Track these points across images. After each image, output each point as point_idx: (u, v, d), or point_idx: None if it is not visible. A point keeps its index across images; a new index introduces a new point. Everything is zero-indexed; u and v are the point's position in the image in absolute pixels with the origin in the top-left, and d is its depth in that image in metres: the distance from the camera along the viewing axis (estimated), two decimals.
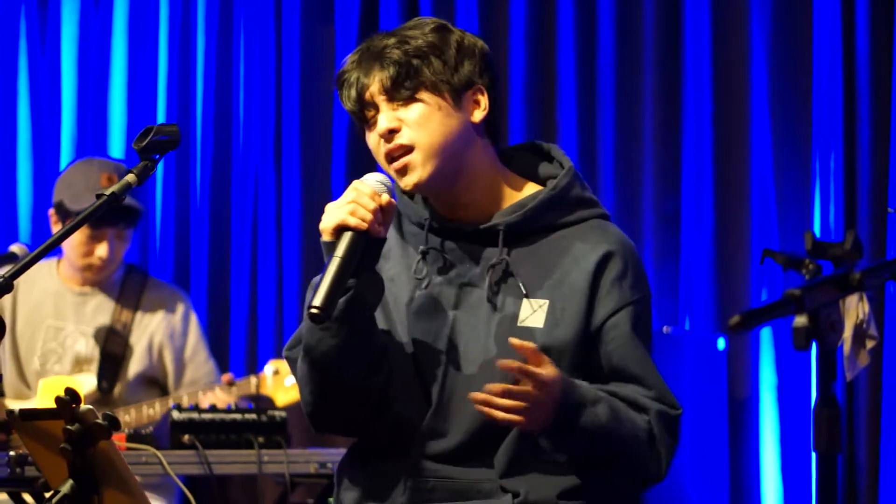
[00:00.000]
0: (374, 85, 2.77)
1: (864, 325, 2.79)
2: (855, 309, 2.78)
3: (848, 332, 2.79)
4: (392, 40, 2.79)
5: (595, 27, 5.12)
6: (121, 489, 2.54)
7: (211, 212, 5.88)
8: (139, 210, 4.87)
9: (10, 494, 3.84)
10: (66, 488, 2.52)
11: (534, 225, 2.83)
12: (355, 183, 2.74)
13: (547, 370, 2.63)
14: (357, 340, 2.74)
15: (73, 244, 4.86)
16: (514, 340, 2.64)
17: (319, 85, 5.70)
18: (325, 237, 2.72)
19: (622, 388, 2.77)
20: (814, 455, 2.11)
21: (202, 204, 5.89)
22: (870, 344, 2.82)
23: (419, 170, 2.77)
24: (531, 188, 2.87)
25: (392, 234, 2.89)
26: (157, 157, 2.84)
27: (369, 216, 2.69)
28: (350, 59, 2.82)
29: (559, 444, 2.72)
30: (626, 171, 5.04)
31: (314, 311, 2.62)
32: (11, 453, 3.73)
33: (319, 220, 2.75)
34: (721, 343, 4.74)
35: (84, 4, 6.15)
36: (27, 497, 3.85)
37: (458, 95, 2.79)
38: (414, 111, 2.77)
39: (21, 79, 6.19)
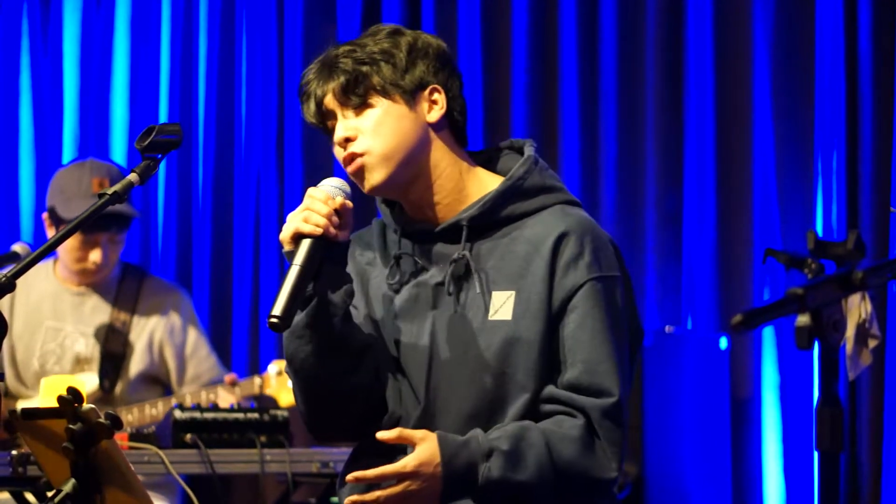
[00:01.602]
0: (328, 95, 2.83)
1: (867, 325, 2.78)
2: (857, 308, 2.78)
3: (850, 332, 2.78)
4: (343, 49, 2.84)
5: (597, 27, 5.12)
6: (123, 488, 2.54)
7: (213, 211, 5.88)
8: (132, 214, 4.86)
9: (12, 494, 3.84)
10: (68, 487, 2.53)
11: (495, 217, 2.83)
12: (310, 190, 2.78)
13: (415, 455, 2.65)
14: (332, 342, 2.77)
15: (67, 249, 4.84)
16: (381, 434, 2.67)
17: None
18: (285, 247, 2.75)
19: (556, 392, 2.74)
20: (816, 454, 2.11)
21: (204, 204, 5.89)
22: (872, 343, 2.82)
23: (373, 173, 2.81)
24: (497, 183, 2.88)
25: (377, 244, 2.92)
26: (160, 156, 2.85)
27: (323, 221, 2.72)
28: (307, 71, 2.87)
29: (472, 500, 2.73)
30: (628, 170, 5.04)
31: (273, 320, 2.64)
32: (14, 452, 3.72)
33: None
34: (723, 342, 4.74)
35: (86, 4, 6.15)
36: (29, 496, 3.85)
37: (410, 97, 2.82)
38: (368, 119, 2.81)
39: (23, 78, 6.19)
